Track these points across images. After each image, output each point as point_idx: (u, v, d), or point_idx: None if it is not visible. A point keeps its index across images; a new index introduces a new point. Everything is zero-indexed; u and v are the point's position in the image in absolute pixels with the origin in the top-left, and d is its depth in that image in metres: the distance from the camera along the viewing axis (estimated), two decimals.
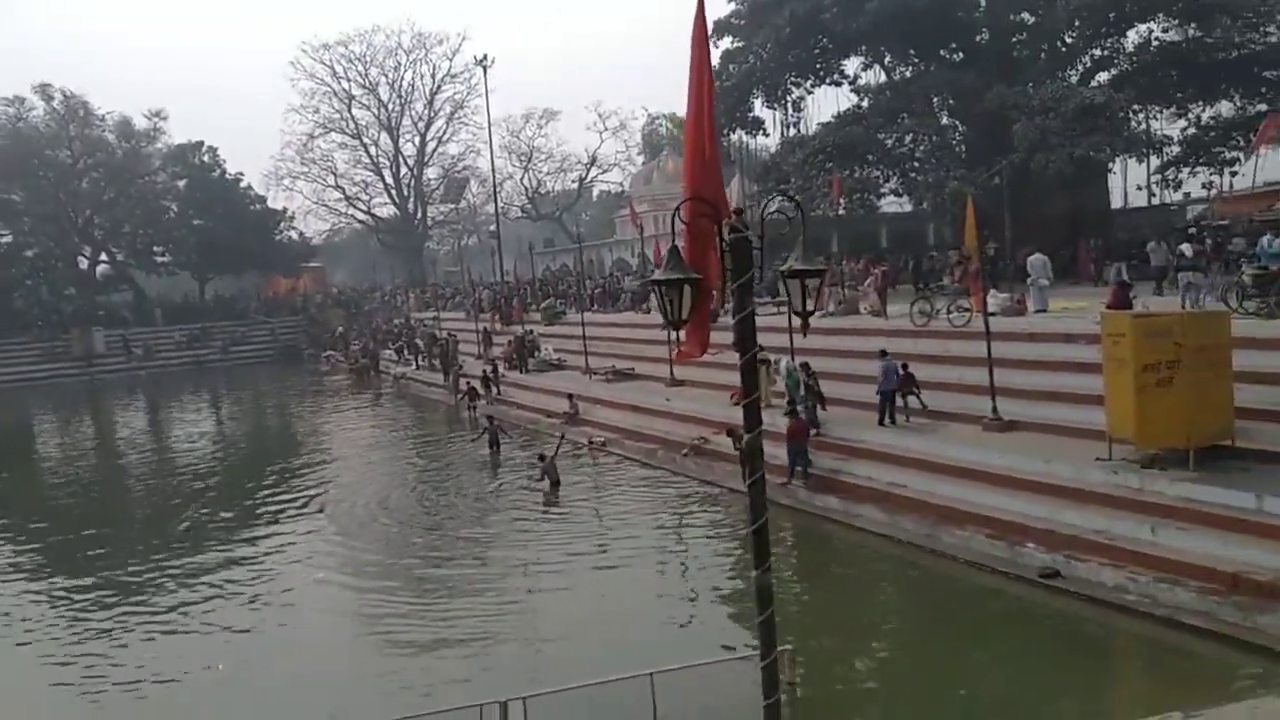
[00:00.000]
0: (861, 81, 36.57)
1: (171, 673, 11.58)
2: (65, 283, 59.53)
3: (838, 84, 36.36)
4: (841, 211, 32.07)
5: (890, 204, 40.47)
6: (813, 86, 36.50)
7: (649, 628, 12.15)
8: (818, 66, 35.76)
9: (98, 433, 36.91)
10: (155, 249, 61.22)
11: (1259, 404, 13.29)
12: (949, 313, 20.60)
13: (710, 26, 35.97)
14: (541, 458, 19.70)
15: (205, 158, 61.21)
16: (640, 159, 73.00)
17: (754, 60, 35.16)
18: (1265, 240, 18.77)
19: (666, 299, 4.92)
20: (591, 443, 22.98)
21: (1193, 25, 30.98)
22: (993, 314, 18.63)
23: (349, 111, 69.78)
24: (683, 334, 5.20)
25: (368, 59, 69.01)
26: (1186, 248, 21.80)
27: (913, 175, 33.07)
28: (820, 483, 16.69)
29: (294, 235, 67.43)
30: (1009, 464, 14.50)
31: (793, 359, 19.14)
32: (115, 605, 14.21)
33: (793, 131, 36.83)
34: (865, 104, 35.19)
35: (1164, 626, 10.53)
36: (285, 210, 66.53)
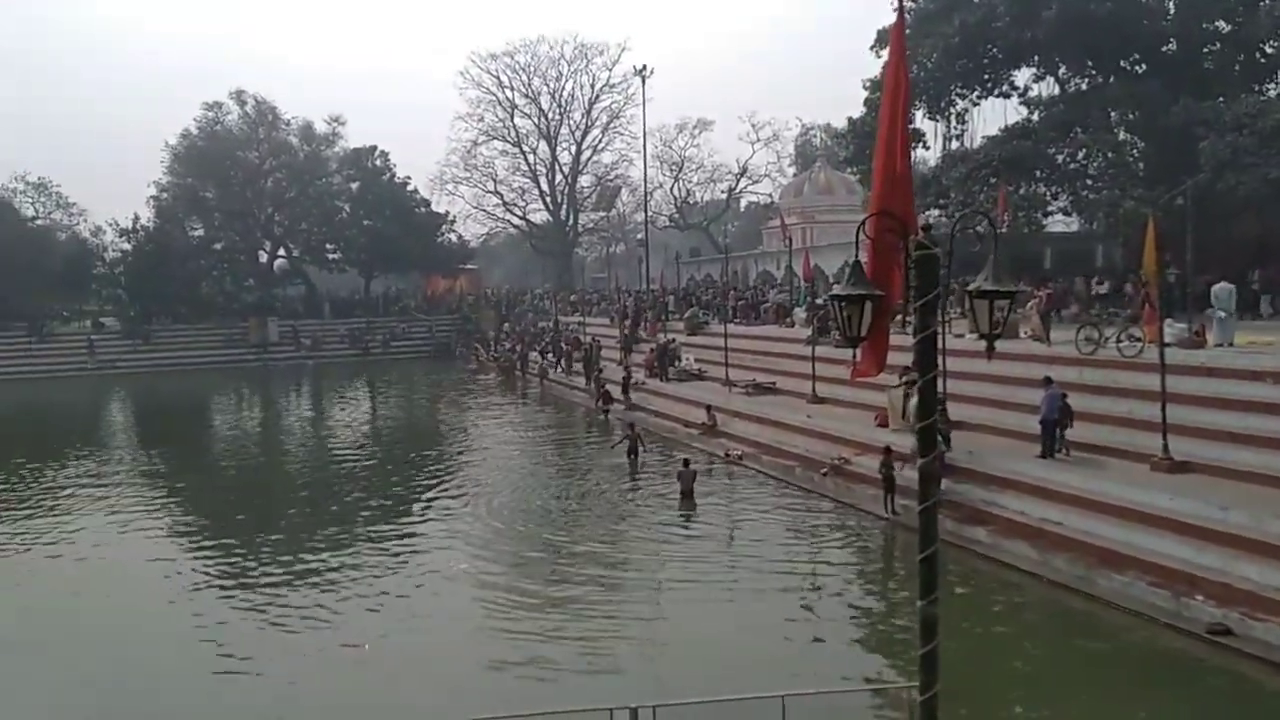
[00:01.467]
0: (1032, 93, 34.81)
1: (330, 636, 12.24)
2: (246, 275, 64.44)
3: (1006, 95, 34.75)
4: (1005, 229, 30.57)
5: (1056, 224, 38.38)
6: (979, 98, 35.04)
7: (777, 647, 11.92)
8: (985, 77, 34.31)
9: (265, 416, 39.71)
10: (328, 246, 65.31)
11: None
12: (1119, 341, 19.28)
13: (874, 36, 35.58)
14: (686, 463, 19.91)
15: (377, 162, 64.88)
16: (791, 170, 72.15)
17: (917, 70, 34.05)
18: None
19: (846, 315, 4.77)
20: (729, 455, 22.81)
21: None
22: (1169, 345, 17.32)
23: (511, 120, 72.26)
24: (859, 351, 5.04)
25: (531, 69, 71.31)
26: None
27: (1084, 193, 31.19)
28: (969, 514, 15.94)
29: (454, 238, 70.41)
30: (1178, 507, 13.39)
31: (944, 382, 18.37)
32: (285, 576, 15.21)
33: (955, 144, 35.49)
34: (1035, 117, 33.44)
35: None
36: (447, 214, 69.58)
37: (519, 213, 75.21)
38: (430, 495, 21.14)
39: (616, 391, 31.14)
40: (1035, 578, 13.72)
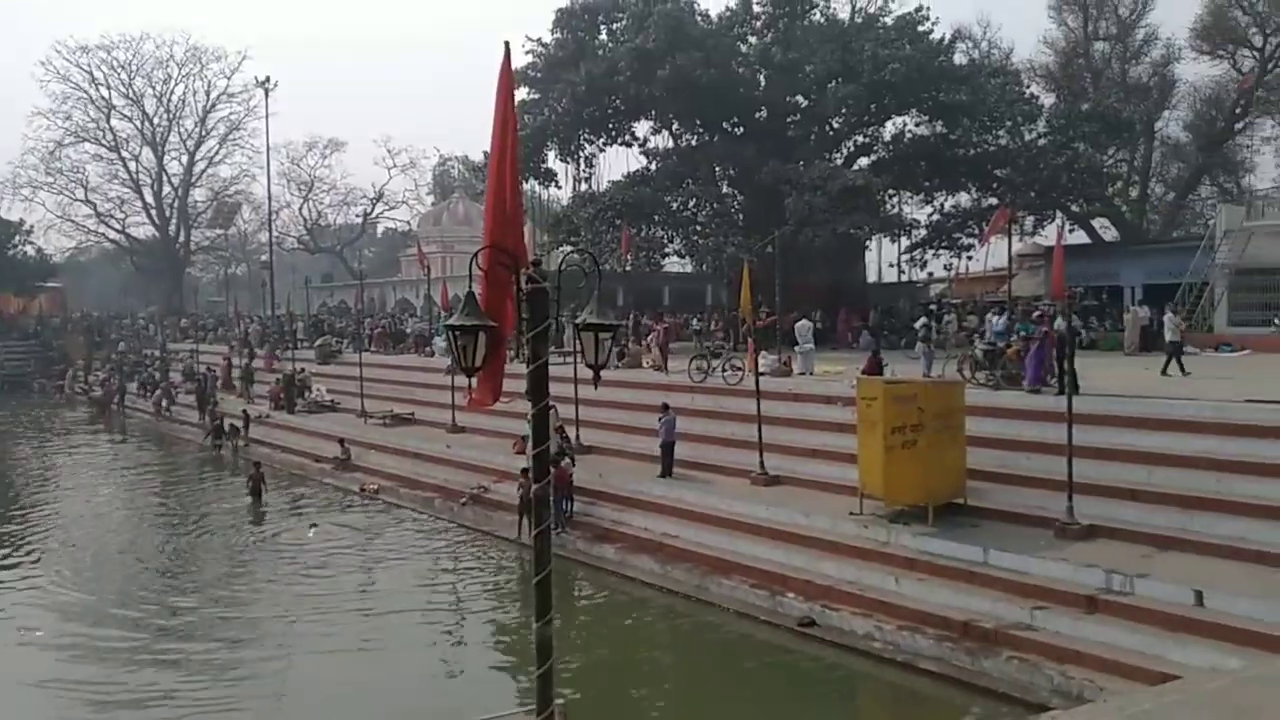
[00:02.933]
0: (651, 144, 38.00)
1: None
2: None
3: (629, 145, 37.57)
4: (628, 267, 32.96)
5: (674, 264, 42.13)
6: (605, 144, 37.51)
7: (417, 680, 11.64)
8: (610, 126, 36.84)
9: None
10: None
11: (987, 466, 14.78)
12: (724, 371, 21.58)
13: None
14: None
15: None
16: (430, 199, 71.73)
17: (549, 114, 35.73)
18: (991, 319, 21.16)
19: (460, 345, 4.79)
20: (364, 490, 21.94)
21: (939, 123, 34.83)
22: (763, 374, 19.73)
23: (107, 121, 63.87)
24: (474, 381, 5.07)
25: (134, 67, 63.69)
26: (925, 321, 24.10)
27: (695, 238, 34.62)
28: (599, 533, 16.82)
29: (31, 251, 60.47)
30: (773, 516, 15.27)
31: (575, 409, 19.27)
32: None
33: (584, 186, 37.65)
34: (654, 167, 36.58)
35: (906, 671, 11.38)
36: (22, 222, 59.62)
37: (117, 225, 66.52)
38: None
39: (242, 424, 28.59)
40: (659, 589, 14.81)
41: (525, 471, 17.81)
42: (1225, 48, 38.73)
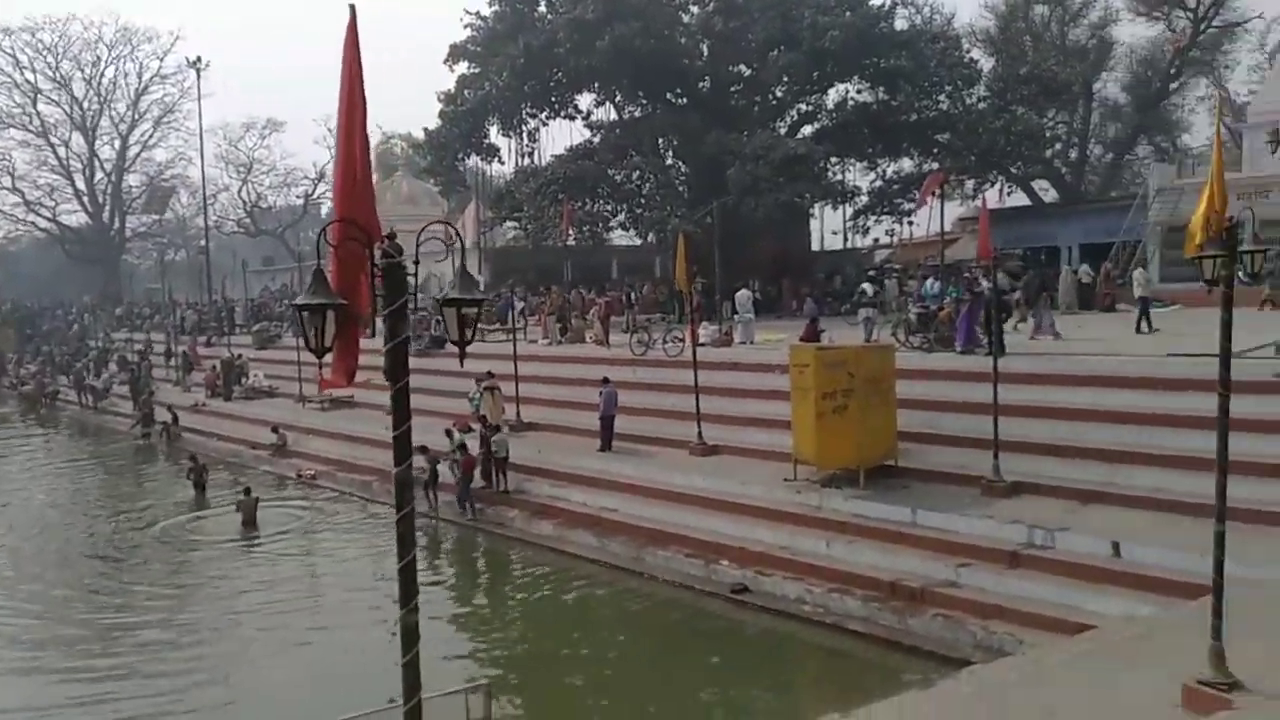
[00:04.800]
0: (594, 117, 37.65)
1: None
2: None
3: (571, 118, 37.17)
4: (571, 242, 32.67)
5: (623, 238, 41.87)
6: (548, 118, 37.03)
7: (370, 677, 11.41)
8: (553, 99, 36.34)
9: None
10: None
11: (918, 428, 14.88)
12: (665, 343, 21.48)
13: (448, 50, 35.99)
14: (247, 491, 18.35)
15: None
16: (374, 178, 70.40)
17: (490, 87, 35.14)
18: (927, 283, 21.27)
19: (310, 325, 4.57)
20: (301, 475, 21.57)
21: (881, 89, 34.86)
22: (703, 345, 19.68)
23: (34, 106, 61.73)
24: (327, 362, 4.86)
25: (60, 50, 61.55)
26: (867, 287, 24.20)
27: (639, 211, 34.38)
28: (537, 509, 16.71)
29: None
30: (710, 486, 15.26)
31: (515, 386, 19.10)
32: None
33: (527, 161, 37.17)
34: (597, 139, 36.21)
35: (835, 633, 11.44)
36: None
37: (47, 214, 64.49)
38: None
39: (170, 414, 27.94)
40: (598, 563, 14.74)
41: (462, 447, 17.74)
42: (1161, 9, 39.20)
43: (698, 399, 17.05)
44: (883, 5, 34.39)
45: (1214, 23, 38.68)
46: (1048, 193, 41.19)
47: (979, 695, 7.70)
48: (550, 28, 32.90)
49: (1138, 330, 18.75)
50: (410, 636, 4.68)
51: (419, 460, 18.18)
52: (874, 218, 36.30)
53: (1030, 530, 11.47)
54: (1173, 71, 39.79)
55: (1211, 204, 7.76)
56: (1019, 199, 40.42)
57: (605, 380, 18.58)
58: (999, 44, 39.46)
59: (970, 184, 35.89)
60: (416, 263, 5.31)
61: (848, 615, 11.59)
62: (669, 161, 36.86)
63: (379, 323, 4.89)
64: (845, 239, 40.15)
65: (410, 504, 4.78)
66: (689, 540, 14.20)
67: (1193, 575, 9.00)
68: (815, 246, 41.82)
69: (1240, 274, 7.62)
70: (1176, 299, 22.82)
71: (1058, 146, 41.49)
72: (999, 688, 7.79)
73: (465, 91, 35.85)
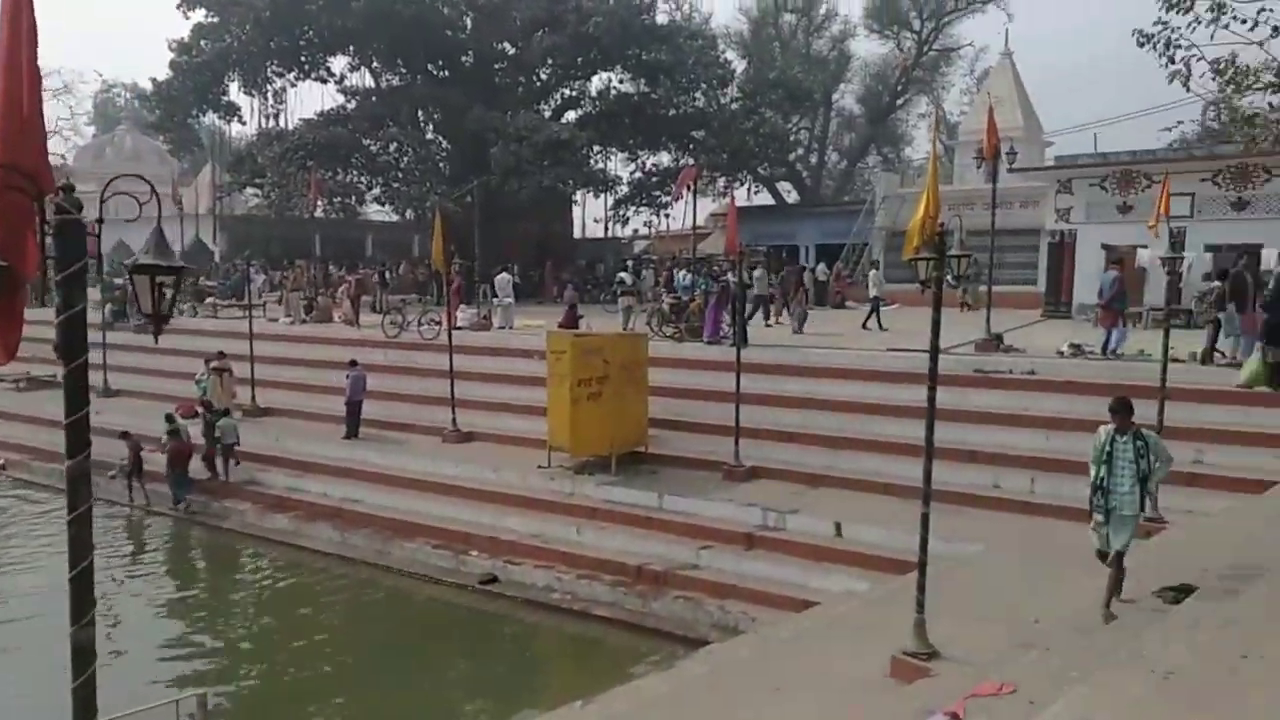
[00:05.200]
0: (349, 82, 35.61)
1: None
2: None
3: (324, 80, 34.92)
4: (320, 214, 30.80)
5: (380, 213, 40.06)
6: (297, 79, 34.59)
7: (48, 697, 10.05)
8: (303, 59, 33.98)
9: None
10: None
11: (668, 415, 15.36)
12: (420, 325, 20.76)
13: None
14: None
15: None
16: (91, 130, 62.86)
17: (231, 40, 32.26)
18: (680, 275, 22.03)
19: None
20: None
21: (642, 81, 35.64)
22: (460, 328, 19.21)
23: None
24: None
25: None
26: (626, 276, 24.72)
27: (396, 185, 33.01)
28: (272, 502, 15.58)
29: None
30: (461, 473, 14.93)
31: (251, 368, 17.65)
32: None
33: (272, 123, 34.58)
34: (352, 106, 34.32)
35: (582, 619, 11.53)
36: None
37: None
38: None
39: None
40: (337, 558, 13.96)
41: (174, 433, 16.19)
42: (891, 28, 42.91)
43: (452, 384, 16.61)
44: None
45: (934, 46, 42.94)
46: (790, 194, 44.05)
47: (713, 675, 8.03)
48: None
49: (864, 325, 20.42)
50: (83, 657, 4.06)
51: (121, 448, 16.47)
52: (634, 208, 37.12)
53: (765, 513, 12.15)
54: (899, 88, 43.78)
55: (927, 211, 8.46)
56: (765, 198, 42.91)
57: (353, 363, 17.65)
58: (751, 48, 41.56)
59: (722, 181, 37.62)
60: (101, 220, 4.63)
61: (595, 601, 11.73)
62: (429, 136, 35.66)
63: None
64: (606, 228, 40.82)
65: (87, 502, 4.10)
66: (438, 531, 13.80)
67: (903, 553, 9.86)
68: (578, 234, 42.19)
69: (949, 277, 8.43)
70: (896, 299, 25.12)
71: (800, 151, 44.44)
72: (731, 666, 8.16)
73: (202, 42, 32.72)
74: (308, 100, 36.30)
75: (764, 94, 35.35)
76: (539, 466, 14.49)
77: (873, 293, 21.98)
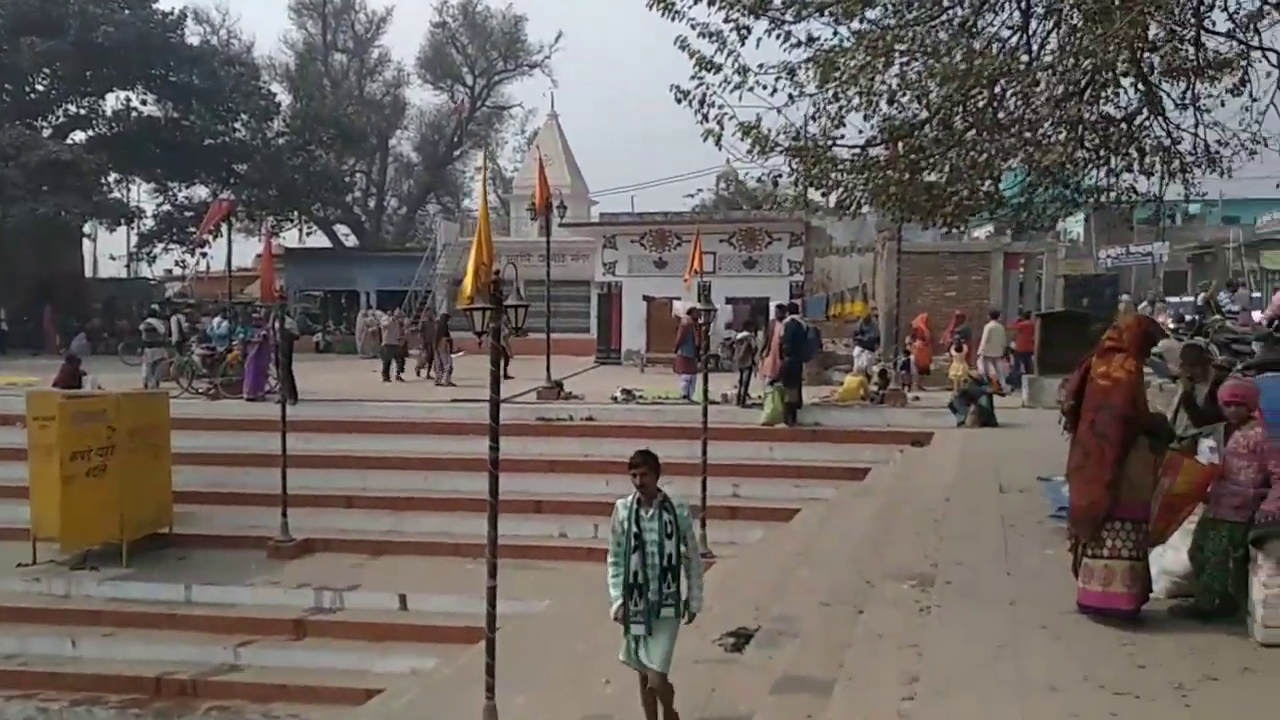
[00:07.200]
0: None
1: None
2: None
3: None
4: None
5: None
6: None
7: None
8: None
9: None
10: None
11: (201, 486, 13.15)
12: None
13: None
14: None
15: None
16: None
17: None
18: (215, 322, 19.42)
19: None
20: None
21: (171, 105, 31.65)
22: None
23: None
24: None
25: None
26: (156, 323, 20.94)
27: None
28: None
29: None
30: None
31: None
32: None
33: None
34: None
35: None
36: None
37: None
38: None
39: None
40: None
41: None
42: (444, 80, 43.21)
43: None
44: (171, 13, 31.46)
45: (486, 103, 44.11)
46: (349, 237, 42.14)
47: None
48: None
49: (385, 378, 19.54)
50: None
51: None
52: (162, 245, 32.62)
53: (318, 593, 10.71)
54: (455, 139, 44.17)
55: (479, 259, 7.96)
56: (320, 240, 40.59)
57: None
58: (299, 82, 39.15)
59: (271, 220, 34.68)
60: None
61: None
62: None
63: None
64: (130, 267, 35.44)
65: None
66: None
67: (474, 619, 9.02)
68: (90, 273, 36.10)
69: (505, 327, 7.98)
70: (462, 347, 24.84)
71: (358, 194, 42.85)
72: None
73: None
74: None
75: (314, 131, 33.43)
76: (19, 564, 11.45)
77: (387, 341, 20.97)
